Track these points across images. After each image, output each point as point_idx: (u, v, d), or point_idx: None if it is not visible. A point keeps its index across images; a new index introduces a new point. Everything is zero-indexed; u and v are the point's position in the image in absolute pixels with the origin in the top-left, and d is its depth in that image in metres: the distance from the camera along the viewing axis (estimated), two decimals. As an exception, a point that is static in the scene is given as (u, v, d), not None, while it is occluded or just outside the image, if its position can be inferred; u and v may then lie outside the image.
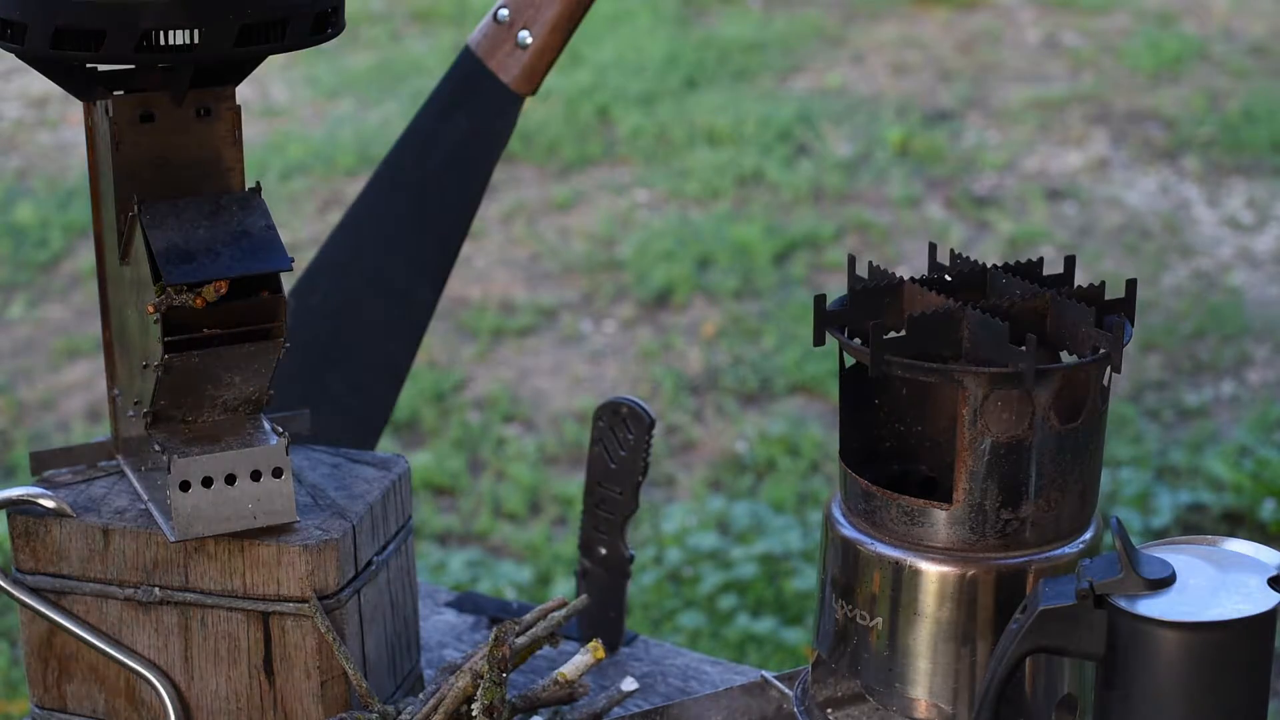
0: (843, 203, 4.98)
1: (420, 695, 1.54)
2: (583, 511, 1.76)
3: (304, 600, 1.50)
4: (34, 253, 4.73)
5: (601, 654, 1.56)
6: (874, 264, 1.49)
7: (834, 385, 3.76)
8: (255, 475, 1.49)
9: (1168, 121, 5.52)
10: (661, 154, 5.34)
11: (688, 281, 4.48)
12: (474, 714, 1.49)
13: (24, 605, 1.56)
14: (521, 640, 1.55)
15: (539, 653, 1.69)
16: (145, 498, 1.56)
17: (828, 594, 1.47)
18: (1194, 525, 3.43)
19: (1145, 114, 5.60)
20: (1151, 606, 1.28)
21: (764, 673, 1.60)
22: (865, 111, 5.63)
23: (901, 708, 1.43)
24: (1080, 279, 1.62)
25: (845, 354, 1.44)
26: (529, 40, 1.83)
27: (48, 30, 1.41)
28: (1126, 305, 1.43)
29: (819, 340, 1.44)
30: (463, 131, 1.88)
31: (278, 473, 1.49)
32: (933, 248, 1.54)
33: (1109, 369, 1.38)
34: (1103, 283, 1.44)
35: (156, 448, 1.51)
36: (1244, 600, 1.28)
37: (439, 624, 1.85)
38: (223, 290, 1.47)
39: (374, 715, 1.51)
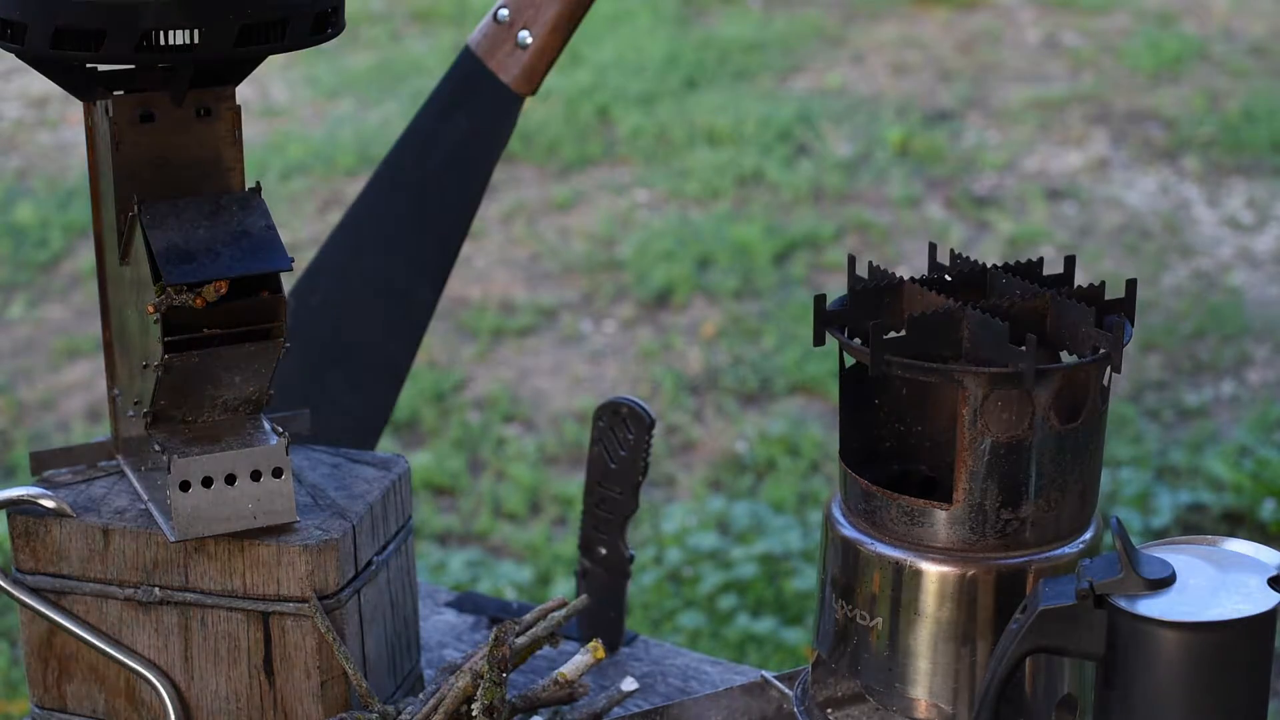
0: (843, 203, 4.98)
1: (420, 695, 1.54)
2: (583, 511, 1.76)
3: (304, 600, 1.50)
4: (34, 253, 4.73)
5: (601, 654, 1.56)
6: (874, 264, 1.49)
7: (834, 385, 3.76)
8: (255, 475, 1.49)
9: (1168, 121, 5.53)
10: (661, 154, 5.34)
11: (688, 281, 4.48)
12: (474, 714, 1.49)
13: (24, 605, 1.56)
14: (521, 640, 1.55)
15: (539, 653, 1.69)
16: (145, 498, 1.56)
17: (828, 594, 1.47)
18: (1194, 525, 3.43)
19: (1145, 114, 5.60)
20: (1151, 606, 1.28)
21: (764, 673, 1.60)
22: (865, 111, 5.63)
23: (901, 708, 1.43)
24: (1080, 279, 1.62)
25: (845, 354, 1.44)
26: (529, 40, 1.83)
27: (48, 30, 1.41)
28: (1126, 305, 1.43)
29: (819, 340, 1.44)
30: (463, 131, 1.88)
31: (278, 473, 1.49)
32: (933, 248, 1.54)
33: (1109, 369, 1.38)
34: (1103, 283, 1.44)
35: (156, 448, 1.51)
36: (1244, 600, 1.28)
37: (439, 624, 1.85)
38: (223, 290, 1.47)
39: (374, 715, 1.51)
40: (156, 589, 1.53)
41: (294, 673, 1.52)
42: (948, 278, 1.49)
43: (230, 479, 1.48)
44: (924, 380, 1.42)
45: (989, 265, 1.49)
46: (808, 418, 3.87)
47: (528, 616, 1.57)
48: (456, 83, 1.88)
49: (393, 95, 5.85)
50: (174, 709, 1.55)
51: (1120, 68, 6.00)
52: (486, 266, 4.65)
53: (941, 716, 1.42)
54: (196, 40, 1.42)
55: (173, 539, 1.49)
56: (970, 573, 1.39)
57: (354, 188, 4.96)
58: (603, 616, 1.77)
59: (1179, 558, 1.33)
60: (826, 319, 1.43)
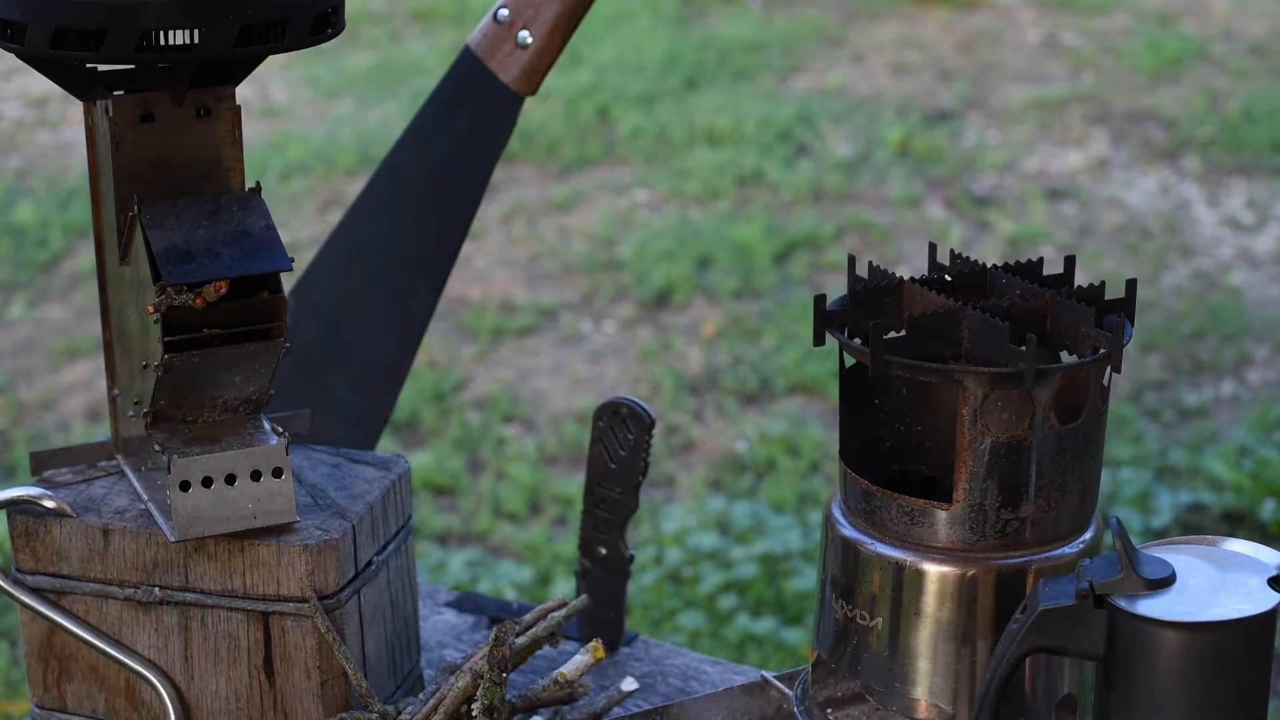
0: (843, 203, 4.98)
1: (420, 695, 1.54)
2: (583, 511, 1.76)
3: (304, 600, 1.50)
4: (34, 253, 4.73)
5: (601, 654, 1.56)
6: (874, 264, 1.49)
7: (834, 385, 3.76)
8: (255, 475, 1.49)
9: (1168, 121, 5.53)
10: (661, 154, 5.34)
11: (688, 281, 4.48)
12: (474, 714, 1.49)
13: (24, 605, 1.56)
14: (521, 640, 1.55)
15: (539, 653, 1.69)
16: (145, 498, 1.56)
17: (828, 594, 1.47)
18: (1194, 525, 3.43)
19: (1145, 114, 5.60)
20: (1151, 606, 1.28)
21: (764, 673, 1.60)
22: (865, 111, 5.63)
23: (902, 708, 1.43)
24: (1080, 279, 1.62)
25: (845, 354, 1.44)
26: (529, 40, 1.83)
27: (48, 30, 1.41)
28: (1126, 305, 1.43)
29: (819, 340, 1.44)
30: (463, 131, 1.88)
31: (278, 473, 1.49)
32: (933, 248, 1.54)
33: (1109, 369, 1.38)
34: (1103, 283, 1.44)
35: (156, 448, 1.51)
36: (1244, 600, 1.28)
37: (439, 624, 1.85)
38: (223, 290, 1.47)
39: (374, 715, 1.51)
40: (156, 589, 1.53)
41: (294, 673, 1.52)
42: (948, 278, 1.49)
43: (230, 479, 1.48)
44: (924, 380, 1.42)
45: (989, 265, 1.49)
46: (808, 418, 3.87)
47: (528, 616, 1.57)
48: (456, 83, 1.88)
49: (393, 95, 5.85)
50: (174, 709, 1.55)
51: (1120, 68, 6.00)
52: (486, 266, 4.65)
53: (941, 716, 1.42)
54: (196, 40, 1.42)
55: (173, 539, 1.49)
56: (970, 573, 1.39)
57: (354, 188, 4.96)
58: (603, 616, 1.77)
59: (1179, 558, 1.33)
60: (826, 319, 1.43)
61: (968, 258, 1.50)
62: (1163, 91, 5.77)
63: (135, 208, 1.49)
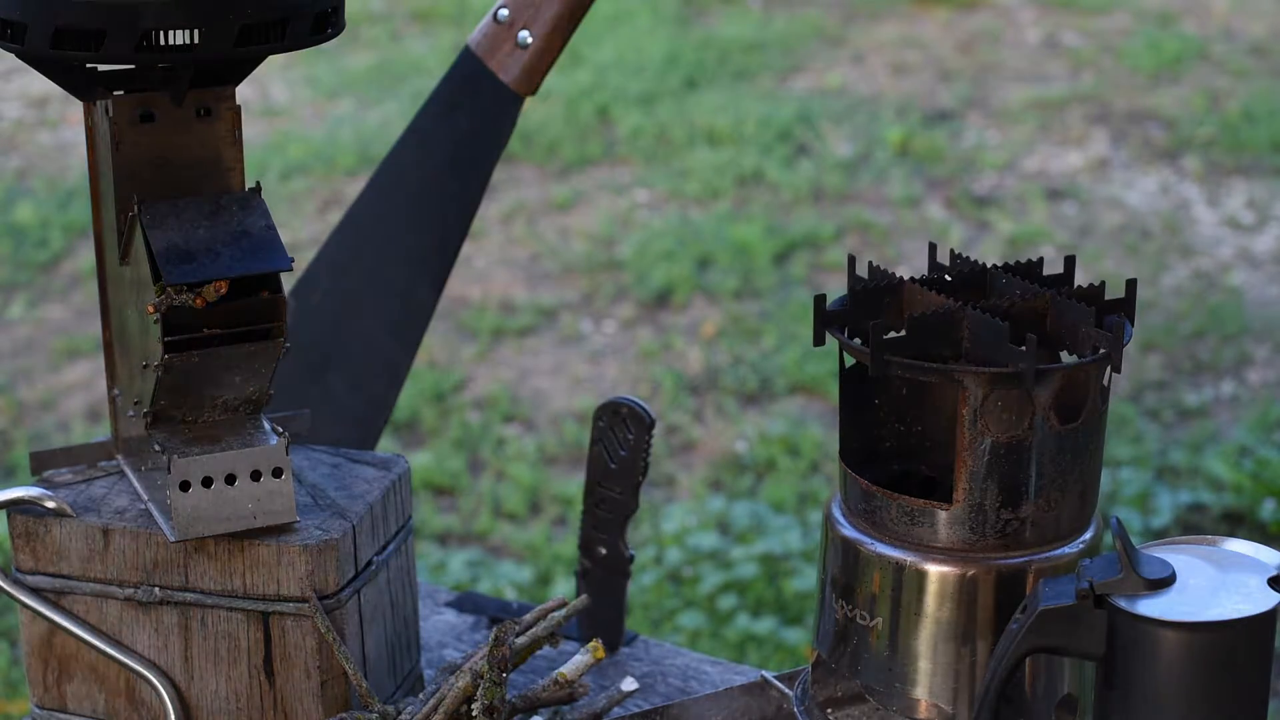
0: (843, 203, 4.98)
1: (420, 695, 1.54)
2: (583, 511, 1.76)
3: (304, 600, 1.50)
4: (34, 253, 4.73)
5: (601, 654, 1.56)
6: (874, 264, 1.49)
7: (834, 385, 3.76)
8: (255, 475, 1.49)
9: (1168, 121, 5.53)
10: (661, 154, 5.34)
11: (688, 281, 4.48)
12: (474, 714, 1.49)
13: (24, 605, 1.56)
14: (521, 640, 1.55)
15: (539, 653, 1.69)
16: (145, 498, 1.56)
17: (828, 594, 1.47)
18: (1194, 525, 3.43)
19: (1145, 114, 5.60)
20: (1151, 606, 1.28)
21: (764, 673, 1.60)
22: (865, 111, 5.64)
23: (902, 708, 1.43)
24: (1080, 279, 1.62)
25: (845, 354, 1.44)
26: (529, 40, 1.83)
27: (48, 30, 1.41)
28: (1126, 305, 1.43)
29: (819, 340, 1.44)
30: (463, 131, 1.88)
31: (278, 473, 1.49)
32: (933, 248, 1.54)
33: (1109, 369, 1.38)
34: (1103, 283, 1.44)
35: (156, 448, 1.51)
36: (1244, 600, 1.28)
37: (439, 624, 1.85)
38: (223, 290, 1.47)
39: (374, 715, 1.51)
40: (156, 589, 1.53)
41: (294, 673, 1.52)
42: (948, 278, 1.49)
43: (230, 479, 1.48)
44: (924, 380, 1.42)
45: (989, 265, 1.49)
46: (808, 418, 3.87)
47: (528, 616, 1.57)
48: (456, 83, 1.88)
49: (393, 95, 5.85)
50: (174, 709, 1.55)
51: (1120, 68, 6.00)
52: (486, 266, 4.65)
53: (941, 716, 1.42)
54: (196, 40, 1.42)
55: (173, 539, 1.49)
56: (970, 573, 1.39)
57: (354, 188, 4.96)
58: (603, 616, 1.77)
59: (1179, 558, 1.33)
60: (826, 319, 1.43)
61: (968, 258, 1.50)
62: (1163, 91, 5.77)
63: (135, 208, 1.49)
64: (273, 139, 5.47)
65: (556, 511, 3.56)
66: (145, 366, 1.50)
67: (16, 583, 1.57)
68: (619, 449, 1.71)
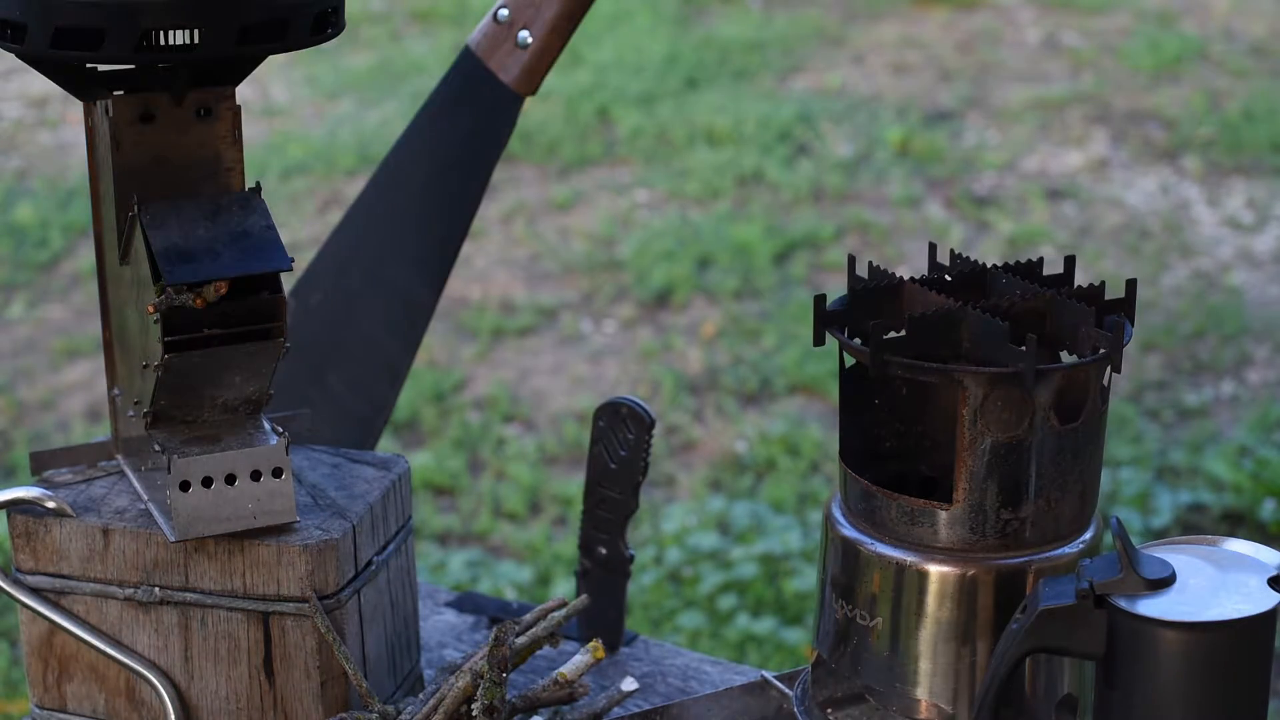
0: (843, 203, 4.98)
1: (420, 695, 1.54)
2: (583, 511, 1.76)
3: (304, 600, 1.50)
4: (34, 253, 4.73)
5: (601, 654, 1.56)
6: (874, 264, 1.49)
7: (834, 385, 3.76)
8: (255, 475, 1.49)
9: (1168, 121, 5.53)
10: (661, 154, 5.34)
11: (688, 281, 4.48)
12: (474, 714, 1.49)
13: (24, 605, 1.56)
14: (521, 640, 1.55)
15: (539, 653, 1.69)
16: (145, 498, 1.56)
17: (828, 594, 1.47)
18: (1194, 525, 3.44)
19: (1145, 114, 5.60)
20: (1151, 606, 1.28)
21: (764, 673, 1.60)
22: (865, 111, 5.63)
23: (902, 708, 1.43)
24: (1080, 279, 1.62)
25: (845, 354, 1.44)
26: (529, 40, 1.83)
27: (48, 30, 1.41)
28: (1126, 305, 1.43)
29: (819, 340, 1.44)
30: (463, 131, 1.88)
31: (278, 473, 1.49)
32: (933, 248, 1.54)
33: (1109, 369, 1.38)
34: (1103, 283, 1.44)
35: (156, 448, 1.51)
36: (1244, 600, 1.28)
37: (439, 624, 1.85)
38: (223, 290, 1.47)
39: (374, 715, 1.51)
40: (156, 589, 1.53)
41: (294, 673, 1.52)
42: (948, 278, 1.49)
43: (230, 479, 1.48)
44: (924, 380, 1.42)
45: (989, 265, 1.50)
46: (808, 418, 3.87)
47: (528, 616, 1.57)
48: (456, 83, 1.88)
49: (393, 95, 5.85)
50: (174, 709, 1.55)
51: (1120, 68, 6.00)
52: (486, 266, 4.65)
53: (942, 716, 1.42)
54: (196, 40, 1.42)
55: (173, 539, 1.49)
56: (970, 573, 1.39)
57: (354, 188, 4.96)
58: (603, 616, 1.77)
59: (1179, 558, 1.33)
60: (826, 319, 1.43)
61: (968, 258, 1.50)
62: (1163, 91, 5.77)
63: (135, 208, 1.49)
64: (273, 139, 5.47)
65: (556, 511, 3.56)
66: (145, 366, 1.50)
67: (16, 583, 1.57)
68: (619, 449, 1.71)
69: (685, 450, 3.80)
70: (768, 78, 5.99)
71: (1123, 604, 1.28)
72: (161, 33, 1.42)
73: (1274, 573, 1.31)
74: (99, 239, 1.59)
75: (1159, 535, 3.38)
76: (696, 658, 1.80)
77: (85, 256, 4.69)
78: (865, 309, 1.45)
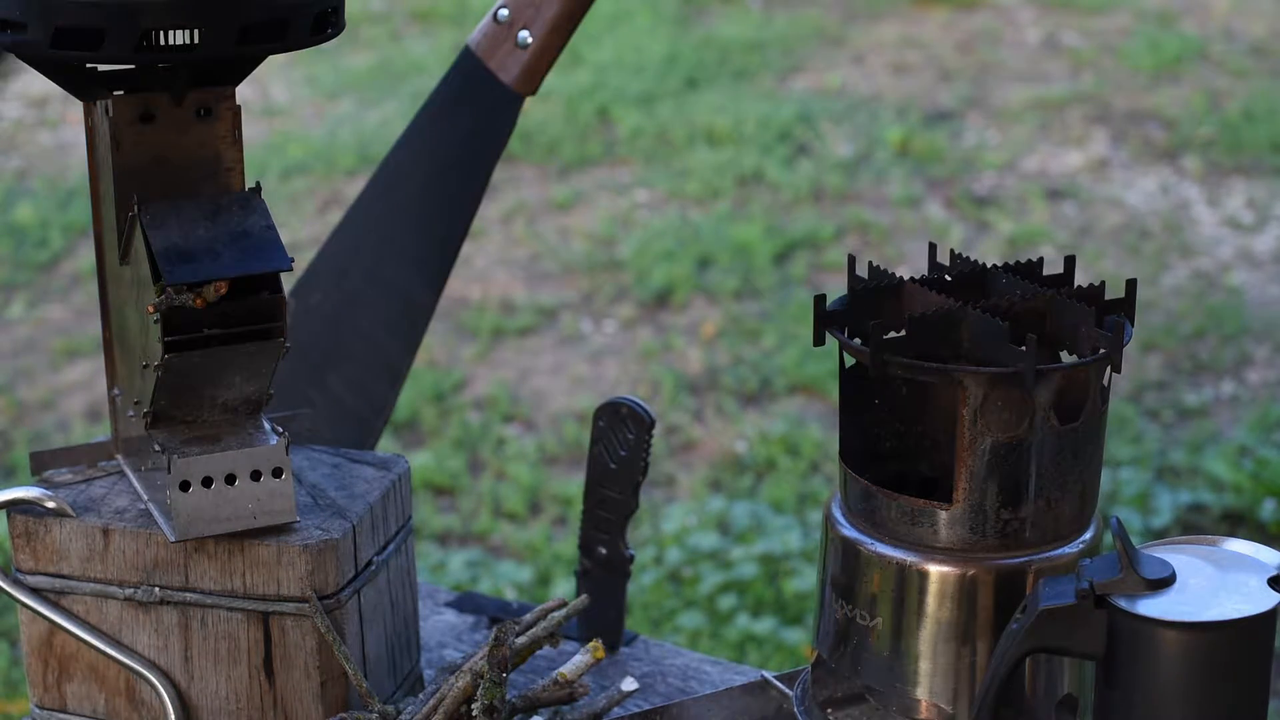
0: (843, 203, 4.98)
1: (420, 695, 1.54)
2: (583, 511, 1.76)
3: (304, 600, 1.50)
4: (34, 253, 4.73)
5: (601, 654, 1.56)
6: (874, 264, 1.49)
7: (834, 385, 3.76)
8: (255, 475, 1.49)
9: (1168, 121, 5.53)
10: (661, 154, 5.34)
11: (688, 281, 4.48)
12: (474, 714, 1.49)
13: (24, 605, 1.56)
14: (521, 640, 1.55)
15: (539, 653, 1.69)
16: (145, 498, 1.56)
17: (828, 594, 1.47)
18: (1194, 525, 3.44)
19: (1145, 114, 5.60)
20: (1151, 606, 1.28)
21: (764, 673, 1.60)
22: (865, 111, 5.63)
23: (902, 708, 1.43)
24: (1080, 279, 1.62)
25: (845, 354, 1.44)
26: (529, 40, 1.83)
27: (48, 30, 1.41)
28: (1126, 305, 1.43)
29: (819, 340, 1.44)
30: (463, 131, 1.88)
31: (278, 473, 1.49)
32: (933, 248, 1.54)
33: (1109, 369, 1.38)
34: (1103, 283, 1.44)
35: (156, 448, 1.51)
36: (1244, 600, 1.28)
37: (439, 624, 1.85)
38: (223, 290, 1.47)
39: (374, 715, 1.51)
40: (156, 589, 1.53)
41: (294, 673, 1.52)
42: (948, 278, 1.49)
43: (230, 479, 1.48)
44: (924, 380, 1.42)
45: (989, 265, 1.50)
46: (808, 418, 3.87)
47: (528, 616, 1.57)
48: (456, 83, 1.88)
49: (393, 95, 5.85)
50: (174, 709, 1.55)
51: (1120, 68, 6.00)
52: (486, 266, 4.65)
53: (942, 716, 1.42)
54: (196, 40, 1.42)
55: (173, 539, 1.49)
56: (970, 573, 1.39)
57: (354, 188, 4.96)
58: (603, 616, 1.77)
59: (1179, 558, 1.33)
60: (826, 319, 1.43)
61: (968, 258, 1.50)
62: (1163, 91, 5.77)
63: (135, 208, 1.49)
64: (273, 139, 5.47)
65: (556, 511, 3.56)
66: (145, 366, 1.50)
67: (16, 583, 1.57)
68: (619, 449, 1.71)
69: (685, 450, 3.80)
70: (768, 78, 5.99)
71: (1123, 604, 1.28)
72: (161, 33, 1.42)
73: (1274, 573, 1.31)
74: (99, 239, 1.59)
75: (1159, 535, 3.38)
76: (696, 658, 1.80)
77: (85, 256, 4.69)
78: (865, 309, 1.45)
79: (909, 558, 1.40)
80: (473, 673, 1.51)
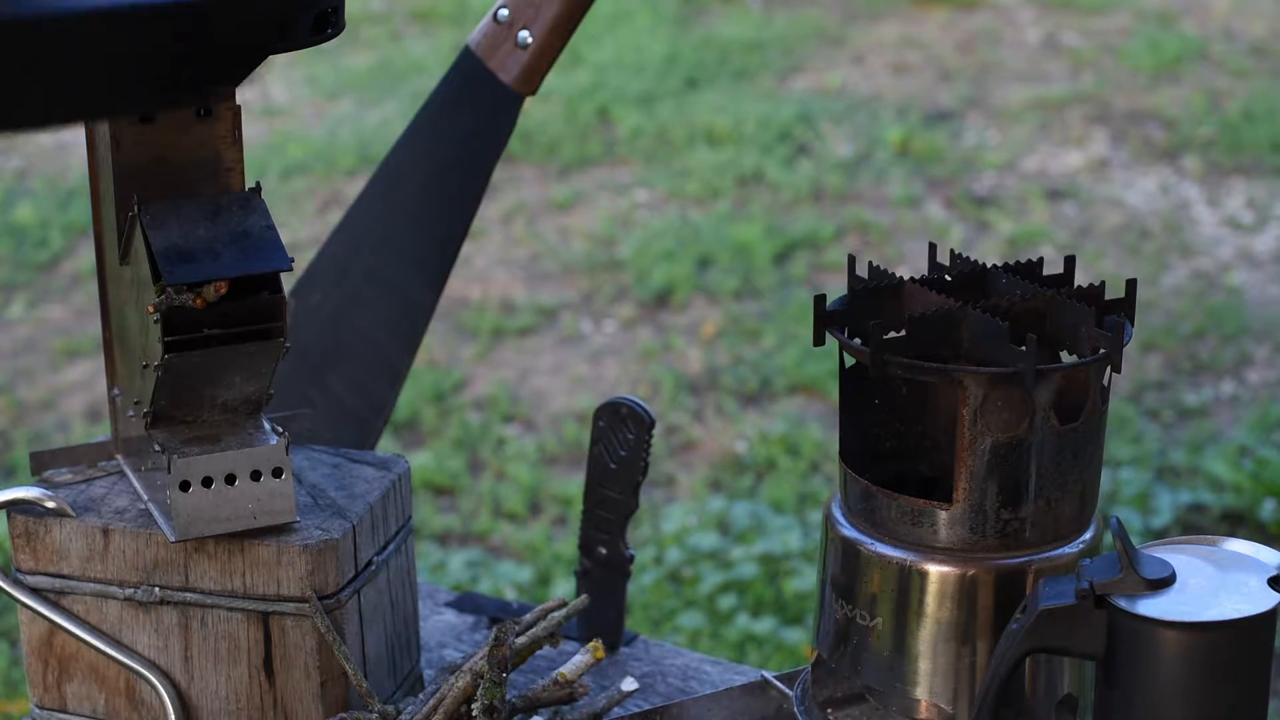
0: (843, 203, 4.98)
1: (420, 695, 1.54)
2: (583, 511, 1.76)
3: (304, 600, 1.50)
4: (34, 253, 4.73)
5: (601, 654, 1.56)
6: (874, 264, 1.49)
7: (834, 385, 3.76)
8: (255, 475, 1.49)
9: (1168, 121, 5.53)
10: (661, 154, 5.34)
11: (688, 281, 4.48)
12: (474, 714, 1.49)
13: (24, 605, 1.56)
14: (521, 640, 1.55)
15: (539, 653, 1.69)
16: (145, 498, 1.56)
17: (828, 594, 1.47)
18: (1194, 525, 3.43)
19: (1145, 114, 5.60)
20: (1151, 606, 1.28)
21: (764, 673, 1.60)
22: (865, 111, 5.63)
23: (902, 708, 1.43)
24: (1080, 279, 1.62)
25: (845, 354, 1.44)
26: (529, 40, 1.83)
27: (48, 30, 1.40)
28: (1126, 305, 1.43)
29: (819, 340, 1.44)
30: (463, 131, 1.88)
31: (278, 473, 1.49)
32: (933, 248, 1.54)
33: (1109, 369, 1.38)
34: (1103, 283, 1.44)
35: (156, 448, 1.51)
36: (1244, 600, 1.28)
37: (439, 624, 1.85)
38: (223, 290, 1.47)
39: (374, 715, 1.51)
40: (156, 589, 1.53)
41: (294, 673, 1.52)
42: (948, 278, 1.49)
43: (230, 479, 1.48)
44: (924, 380, 1.42)
45: (989, 265, 1.50)
46: (808, 418, 3.87)
47: (528, 616, 1.57)
48: (456, 83, 1.88)
49: (393, 95, 5.85)
50: (174, 709, 1.55)
51: (1120, 68, 6.00)
52: (486, 266, 4.65)
53: (942, 716, 1.42)
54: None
55: (173, 539, 1.49)
56: (970, 573, 1.39)
57: (354, 188, 4.95)
58: (603, 616, 1.77)
59: (1179, 558, 1.33)
60: (826, 319, 1.43)
61: (968, 258, 1.50)
62: (1163, 91, 5.77)
63: (135, 208, 1.49)
64: (273, 139, 5.47)
65: (556, 511, 3.56)
66: (145, 366, 1.50)
67: (16, 583, 1.57)
68: (619, 449, 1.71)
69: (685, 450, 3.80)
70: (768, 78, 5.99)
71: (1123, 604, 1.28)
72: (161, 33, 1.42)
73: (1274, 573, 1.31)
74: (99, 239, 1.59)
75: (1159, 535, 3.38)
76: (696, 658, 1.80)
77: (85, 256, 4.69)
78: (865, 309, 1.45)
79: (909, 558, 1.40)
80: (473, 673, 1.51)
